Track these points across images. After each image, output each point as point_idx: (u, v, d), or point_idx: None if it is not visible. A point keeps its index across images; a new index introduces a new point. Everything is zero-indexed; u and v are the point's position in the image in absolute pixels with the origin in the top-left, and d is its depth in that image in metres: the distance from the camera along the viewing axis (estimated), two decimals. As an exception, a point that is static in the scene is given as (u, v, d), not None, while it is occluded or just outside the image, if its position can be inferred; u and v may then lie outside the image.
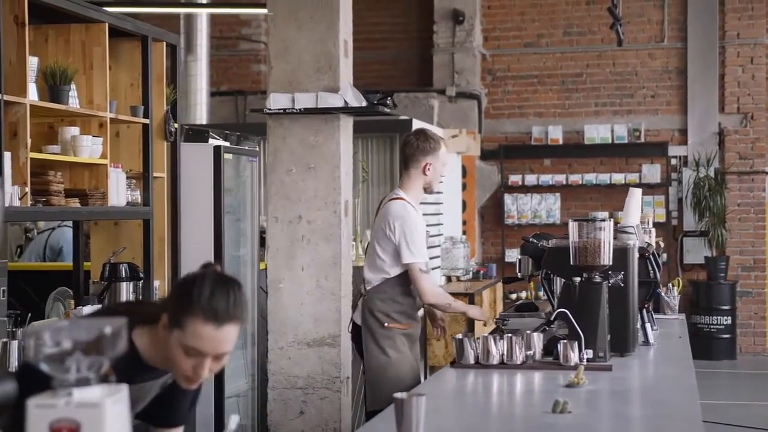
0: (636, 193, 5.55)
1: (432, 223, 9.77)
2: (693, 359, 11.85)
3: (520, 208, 12.79)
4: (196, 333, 2.47)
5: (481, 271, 10.63)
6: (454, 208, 11.47)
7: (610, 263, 4.38)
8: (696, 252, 12.45)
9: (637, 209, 5.48)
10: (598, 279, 4.38)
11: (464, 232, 12.00)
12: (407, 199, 5.06)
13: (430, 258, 7.51)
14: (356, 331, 5.20)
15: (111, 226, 5.68)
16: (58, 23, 5.10)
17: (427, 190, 5.17)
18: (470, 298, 8.98)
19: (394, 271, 5.02)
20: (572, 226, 4.40)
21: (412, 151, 5.10)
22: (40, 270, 6.88)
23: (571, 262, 4.39)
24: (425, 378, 6.54)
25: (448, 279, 10.16)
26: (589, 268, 4.37)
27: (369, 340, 5.04)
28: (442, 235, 10.12)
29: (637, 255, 4.69)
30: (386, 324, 5.01)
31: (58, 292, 5.84)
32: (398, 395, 2.73)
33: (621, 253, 4.52)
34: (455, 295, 8.86)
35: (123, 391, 1.76)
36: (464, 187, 12.21)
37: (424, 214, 5.53)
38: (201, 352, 2.50)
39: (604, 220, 4.41)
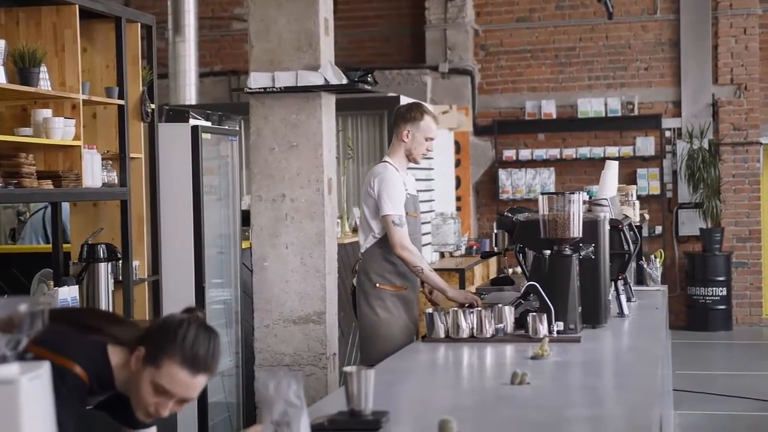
0: (612, 166, 5.56)
1: (423, 200, 9.79)
2: (689, 330, 11.93)
3: (515, 183, 12.79)
4: (171, 375, 2.56)
5: (474, 247, 10.64)
6: (447, 184, 11.48)
7: (580, 236, 4.40)
8: (691, 224, 12.45)
9: (612, 182, 5.50)
10: (568, 251, 4.40)
11: (459, 208, 12.02)
12: (390, 162, 5.24)
13: (422, 234, 7.57)
14: (354, 293, 5.38)
15: (90, 207, 5.71)
16: (28, 6, 5.11)
17: (409, 158, 5.30)
18: (461, 273, 9.00)
19: (379, 229, 5.17)
20: (541, 200, 4.42)
21: (395, 118, 5.36)
22: (28, 252, 6.91)
23: (542, 235, 4.41)
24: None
25: (441, 255, 10.18)
26: (559, 241, 4.39)
27: (361, 300, 5.22)
28: (433, 211, 10.14)
29: (608, 227, 4.70)
30: (377, 284, 5.17)
31: (42, 273, 5.87)
32: (347, 369, 2.75)
33: (591, 226, 4.54)
34: (446, 270, 8.94)
35: (43, 368, 1.77)
36: (458, 163, 12.23)
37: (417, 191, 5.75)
38: (170, 394, 2.58)
39: (573, 193, 4.42)
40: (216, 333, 2.67)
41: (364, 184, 5.31)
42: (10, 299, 1.76)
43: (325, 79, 5.51)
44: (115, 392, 2.77)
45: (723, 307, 12.17)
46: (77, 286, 5.22)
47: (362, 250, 5.28)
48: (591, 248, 4.52)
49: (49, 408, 1.80)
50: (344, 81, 5.58)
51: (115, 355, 2.67)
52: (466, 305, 4.85)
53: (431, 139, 5.30)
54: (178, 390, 2.58)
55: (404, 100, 9.78)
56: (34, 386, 1.74)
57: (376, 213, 5.16)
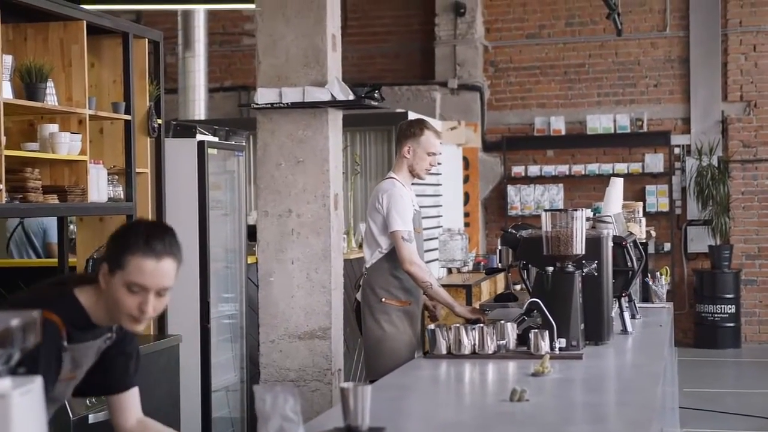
0: (617, 183, 5.56)
1: (431, 215, 9.80)
2: (698, 348, 11.88)
3: (524, 199, 12.79)
4: (139, 267, 2.67)
5: (483, 263, 10.63)
6: (455, 200, 11.48)
7: (583, 252, 4.40)
8: (700, 241, 12.42)
9: (617, 199, 5.50)
10: (570, 268, 4.39)
11: (467, 224, 12.03)
12: (397, 178, 5.31)
13: (428, 250, 7.59)
14: (357, 308, 5.43)
15: (96, 222, 5.73)
16: (36, 21, 5.15)
17: (413, 173, 5.36)
18: (468, 289, 9.00)
19: (386, 244, 5.22)
20: (544, 216, 4.42)
21: (397, 136, 5.46)
22: (35, 266, 6.94)
23: (544, 252, 4.42)
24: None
25: (449, 271, 10.18)
26: (562, 258, 4.38)
27: (366, 315, 5.27)
28: (441, 227, 10.14)
29: (611, 244, 4.69)
30: (383, 299, 5.22)
31: (48, 287, 5.89)
32: (344, 384, 2.76)
33: (594, 243, 4.53)
34: (453, 286, 8.94)
35: (35, 382, 1.79)
36: (467, 179, 12.24)
37: (422, 206, 5.89)
38: (144, 287, 2.69)
39: (576, 210, 4.42)
40: (168, 226, 2.81)
41: (371, 200, 5.36)
42: (1, 314, 1.78)
43: (332, 95, 5.53)
44: (87, 370, 2.84)
45: (732, 324, 12.12)
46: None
47: (368, 265, 5.33)
48: (594, 265, 4.52)
49: (40, 421, 1.81)
50: (351, 97, 5.59)
51: (84, 294, 2.77)
52: (471, 321, 4.89)
53: (434, 154, 5.36)
54: (149, 280, 2.68)
55: (412, 116, 9.79)
56: (26, 400, 1.75)
57: (384, 229, 5.21)
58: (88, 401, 4.46)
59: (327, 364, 5.66)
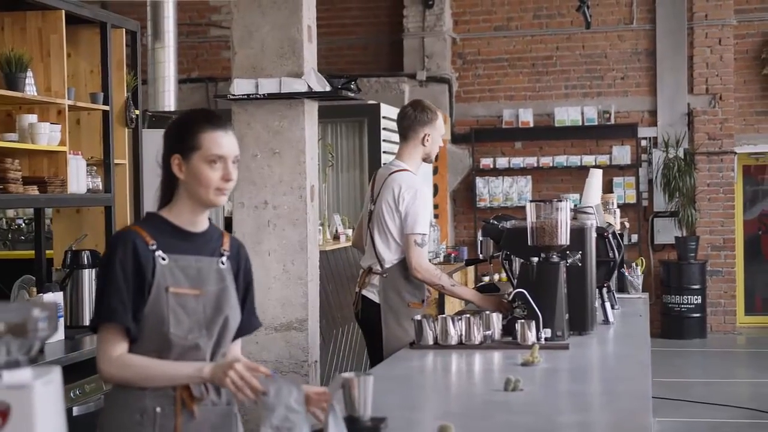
0: (596, 174, 5.59)
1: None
2: (664, 338, 11.95)
3: (492, 191, 12.83)
4: (214, 140, 2.86)
5: (453, 255, 10.67)
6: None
7: (567, 243, 4.43)
8: (666, 232, 12.54)
9: (597, 190, 5.53)
10: (555, 259, 4.42)
11: (436, 216, 12.05)
12: (411, 170, 5.00)
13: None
14: (365, 307, 5.06)
15: (73, 213, 5.68)
16: (14, 11, 5.09)
17: (426, 160, 5.08)
18: (440, 281, 9.00)
19: None
20: (529, 207, 4.44)
21: (410, 123, 5.04)
22: (8, 259, 6.86)
23: (529, 243, 4.43)
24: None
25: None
26: (547, 248, 4.41)
27: (390, 319, 4.95)
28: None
29: (594, 235, 4.72)
30: (410, 304, 4.95)
31: (22, 280, 5.82)
32: (346, 374, 2.75)
33: (578, 233, 4.56)
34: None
35: (54, 372, 1.77)
36: (435, 171, 12.25)
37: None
38: (222, 157, 2.86)
39: (560, 201, 4.44)
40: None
41: (384, 192, 4.97)
42: (23, 303, 1.76)
43: (309, 86, 5.51)
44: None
45: (698, 315, 12.26)
46: (62, 292, 5.18)
47: (387, 265, 4.95)
48: (578, 256, 4.55)
49: (61, 412, 1.79)
50: (328, 88, 5.58)
51: (166, 212, 2.94)
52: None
53: (443, 135, 5.12)
54: (226, 150, 2.87)
55: (385, 108, 9.80)
56: (48, 391, 1.73)
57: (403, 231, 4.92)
58: (71, 393, 4.42)
59: (304, 355, 5.66)
